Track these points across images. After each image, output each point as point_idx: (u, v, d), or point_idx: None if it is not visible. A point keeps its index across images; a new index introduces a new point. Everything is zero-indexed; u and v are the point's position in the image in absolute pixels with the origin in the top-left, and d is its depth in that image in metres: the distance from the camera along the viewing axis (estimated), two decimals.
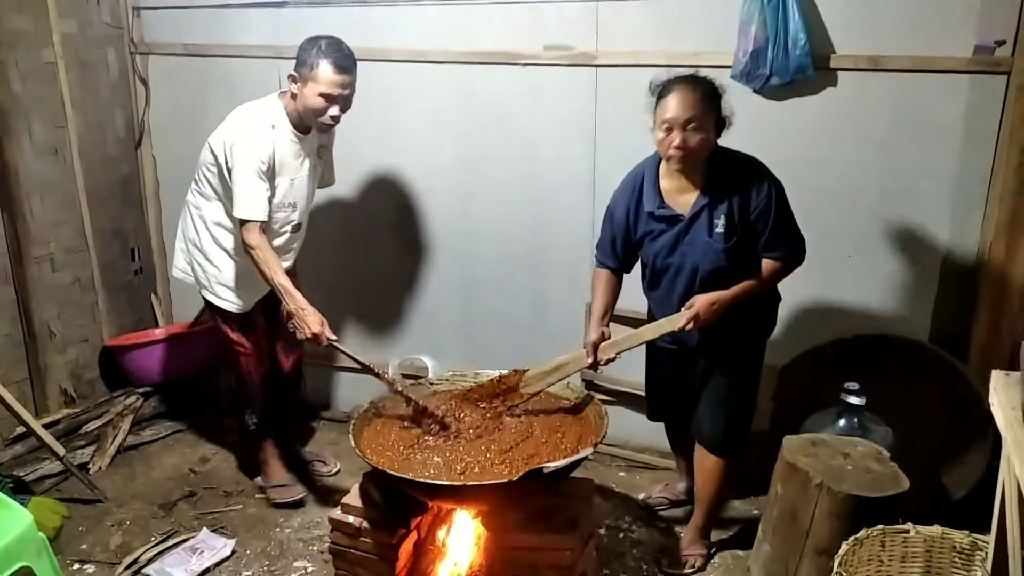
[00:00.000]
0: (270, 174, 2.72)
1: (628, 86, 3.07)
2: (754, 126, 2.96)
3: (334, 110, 2.70)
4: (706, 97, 2.33)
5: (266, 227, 2.74)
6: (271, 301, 2.91)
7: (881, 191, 2.92)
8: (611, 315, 2.63)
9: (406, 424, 2.49)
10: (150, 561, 2.81)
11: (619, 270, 2.66)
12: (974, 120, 2.76)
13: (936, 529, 2.08)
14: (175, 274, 3.12)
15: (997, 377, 1.69)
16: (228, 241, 2.89)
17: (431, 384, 2.73)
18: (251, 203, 2.66)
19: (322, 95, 2.66)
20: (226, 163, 2.71)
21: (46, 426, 3.31)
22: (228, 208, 2.80)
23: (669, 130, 2.32)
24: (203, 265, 2.94)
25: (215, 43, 3.66)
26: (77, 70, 3.62)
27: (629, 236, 2.57)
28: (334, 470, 3.43)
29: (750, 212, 2.40)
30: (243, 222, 2.68)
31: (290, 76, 2.71)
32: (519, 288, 3.51)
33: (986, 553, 1.92)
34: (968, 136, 2.78)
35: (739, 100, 2.92)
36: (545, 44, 3.20)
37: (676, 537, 2.91)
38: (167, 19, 3.78)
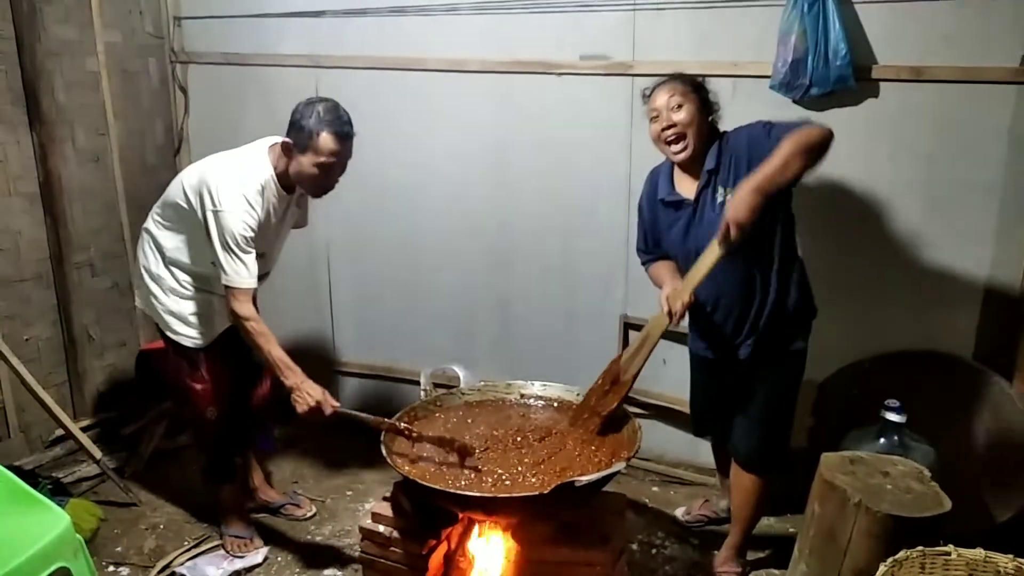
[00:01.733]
0: (256, 238, 2.54)
1: None
2: None
3: (332, 179, 2.58)
4: (688, 84, 2.43)
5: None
6: (233, 335, 2.69)
7: (924, 203, 2.87)
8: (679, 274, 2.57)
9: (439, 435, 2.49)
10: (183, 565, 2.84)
11: (664, 257, 2.67)
12: (1021, 131, 2.70)
13: (979, 552, 2.01)
14: (138, 304, 2.88)
15: None
16: (185, 277, 2.71)
17: (463, 394, 2.72)
18: (242, 272, 2.48)
19: (319, 165, 2.50)
20: (206, 222, 2.50)
21: (84, 429, 3.36)
22: (191, 252, 2.67)
23: (657, 117, 2.43)
24: (158, 296, 2.73)
25: (253, 52, 3.71)
26: (119, 79, 3.68)
27: (656, 229, 2.63)
28: (308, 514, 3.20)
29: (740, 161, 2.37)
30: (231, 290, 2.49)
31: (284, 144, 2.54)
32: (552, 299, 3.50)
33: None
34: (1014, 148, 2.73)
35: (779, 111, 2.90)
36: (581, 54, 3.19)
37: (709, 555, 2.87)
38: (207, 29, 3.83)
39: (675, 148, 2.43)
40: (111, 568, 2.85)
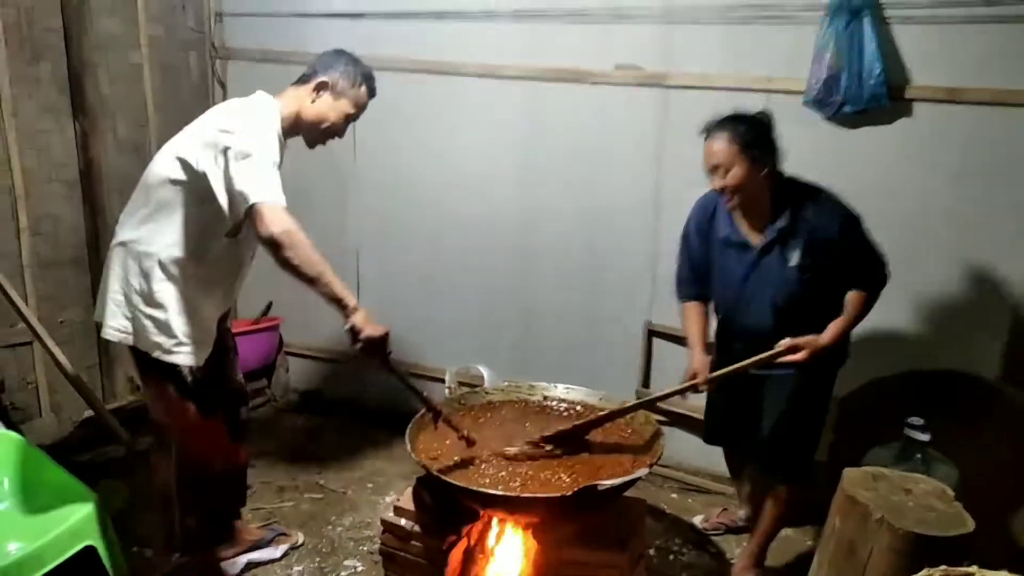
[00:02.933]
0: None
1: (698, 109, 3.04)
2: (825, 154, 2.94)
3: (342, 133, 2.53)
4: (740, 136, 2.34)
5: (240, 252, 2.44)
6: (215, 362, 2.53)
7: (954, 224, 2.87)
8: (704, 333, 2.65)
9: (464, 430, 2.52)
10: None
11: (703, 297, 2.67)
12: None
13: (1003, 574, 2.01)
14: (109, 335, 2.42)
15: None
16: (183, 274, 2.34)
17: (487, 393, 2.75)
18: (273, 185, 2.14)
19: (348, 115, 2.48)
20: (225, 161, 2.16)
21: (113, 412, 3.42)
22: (188, 232, 2.32)
23: (710, 173, 2.40)
24: (151, 315, 2.34)
25: (292, 50, 3.75)
26: (161, 72, 3.76)
27: (708, 263, 2.60)
28: (298, 542, 2.96)
29: (825, 247, 2.38)
30: (265, 208, 2.07)
31: (322, 83, 2.42)
32: (576, 304, 3.52)
33: None
34: None
35: (811, 127, 2.91)
36: (616, 64, 3.22)
37: (727, 562, 2.88)
38: (247, 26, 3.90)
39: (726, 199, 2.42)
40: (136, 549, 2.89)
